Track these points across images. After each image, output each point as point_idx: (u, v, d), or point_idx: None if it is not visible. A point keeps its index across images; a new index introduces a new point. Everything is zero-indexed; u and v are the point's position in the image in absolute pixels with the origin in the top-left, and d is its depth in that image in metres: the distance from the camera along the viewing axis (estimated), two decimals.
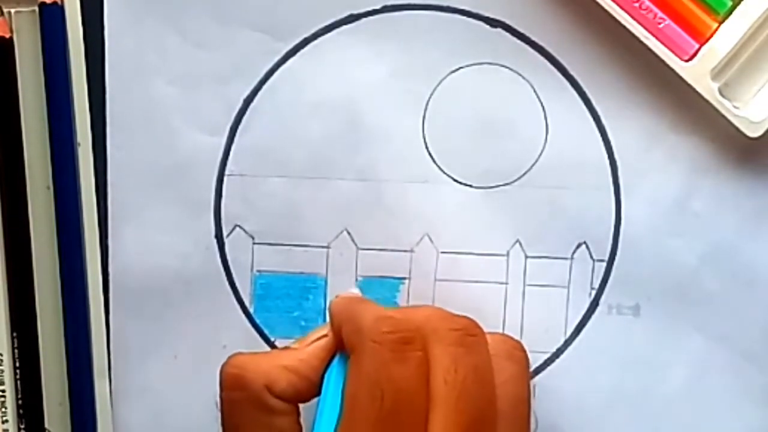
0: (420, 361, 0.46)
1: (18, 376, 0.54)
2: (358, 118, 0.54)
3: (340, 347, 0.49)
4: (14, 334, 0.54)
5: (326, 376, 0.49)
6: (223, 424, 0.50)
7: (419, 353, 0.46)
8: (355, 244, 0.55)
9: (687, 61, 0.52)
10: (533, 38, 0.54)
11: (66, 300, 0.54)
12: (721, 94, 0.52)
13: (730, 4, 0.52)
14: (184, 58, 0.54)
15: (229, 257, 0.55)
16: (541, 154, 0.54)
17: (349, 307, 0.49)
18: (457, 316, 0.49)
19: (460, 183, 0.54)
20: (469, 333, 0.47)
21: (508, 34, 0.54)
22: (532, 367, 0.54)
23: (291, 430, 0.49)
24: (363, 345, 0.46)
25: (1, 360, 0.54)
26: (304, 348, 0.49)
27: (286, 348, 0.50)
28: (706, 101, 0.52)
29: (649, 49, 0.52)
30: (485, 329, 0.50)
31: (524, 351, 0.50)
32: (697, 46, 0.52)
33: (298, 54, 0.54)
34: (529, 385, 0.49)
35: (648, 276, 0.54)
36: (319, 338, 0.49)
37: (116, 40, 0.54)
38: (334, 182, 0.54)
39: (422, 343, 0.46)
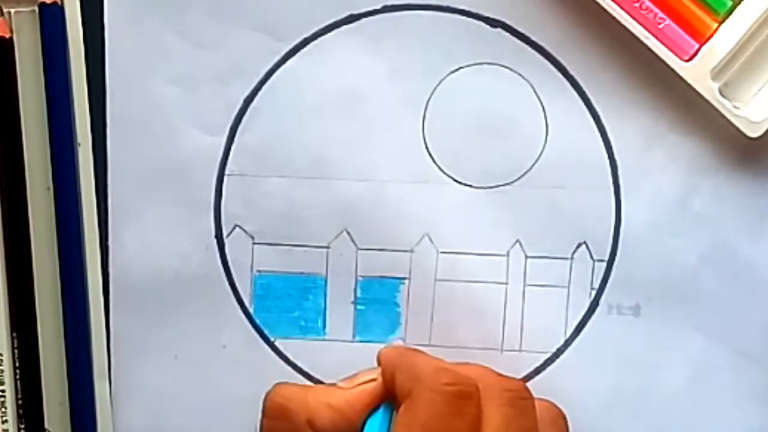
0: (475, 417, 0.46)
1: (18, 376, 0.54)
2: (358, 118, 0.54)
3: (388, 396, 0.49)
4: (14, 334, 0.54)
5: (367, 424, 0.49)
6: None
7: (475, 410, 0.46)
8: (355, 244, 0.55)
9: (687, 61, 0.52)
10: (533, 38, 0.54)
11: (66, 300, 0.54)
12: (721, 94, 0.52)
13: (730, 4, 0.52)
14: (184, 58, 0.54)
15: (229, 257, 0.55)
16: (541, 154, 0.54)
17: (404, 356, 0.49)
18: (509, 377, 0.49)
19: (460, 183, 0.54)
20: (521, 396, 0.48)
21: (508, 34, 0.54)
22: (532, 367, 0.54)
23: None
24: (420, 393, 0.46)
25: (1, 360, 0.54)
26: (351, 389, 0.49)
27: (332, 385, 0.50)
28: (706, 101, 0.52)
29: (649, 49, 0.52)
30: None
31: (566, 420, 0.50)
32: (697, 46, 0.52)
33: (298, 54, 0.54)
34: None
35: (648, 276, 0.54)
36: (367, 381, 0.49)
37: (116, 40, 0.54)
38: (334, 182, 0.54)
39: (478, 400, 0.47)
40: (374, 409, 0.49)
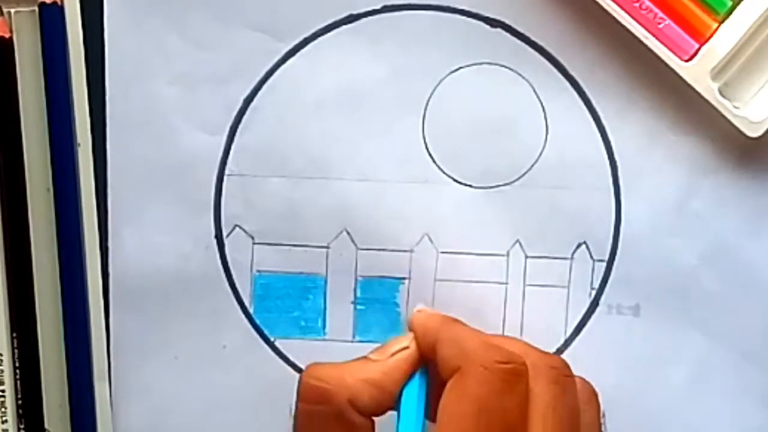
0: (524, 395, 0.47)
1: (18, 376, 0.54)
2: (358, 118, 0.54)
3: (423, 362, 0.49)
4: (14, 335, 0.54)
5: (405, 393, 0.49)
6: None
7: (524, 387, 0.47)
8: (355, 244, 0.55)
9: (687, 61, 0.52)
10: (533, 38, 0.54)
11: (66, 301, 0.54)
12: (721, 94, 0.52)
13: (730, 4, 0.52)
14: (184, 58, 0.54)
15: (229, 257, 0.55)
16: (541, 154, 0.54)
17: (447, 326, 0.49)
18: (551, 354, 0.49)
19: (460, 183, 0.54)
20: (565, 373, 0.48)
21: (508, 34, 0.54)
22: None
23: None
24: (471, 369, 0.46)
25: (1, 360, 0.54)
26: (385, 360, 0.49)
27: (364, 359, 0.49)
28: (706, 101, 0.52)
29: (649, 49, 0.52)
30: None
31: (598, 397, 0.50)
32: (697, 46, 0.52)
33: (298, 54, 0.54)
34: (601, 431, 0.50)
35: (648, 276, 0.54)
36: (400, 350, 0.49)
37: (116, 41, 0.54)
38: (334, 182, 0.54)
39: (527, 378, 0.47)
40: (410, 377, 0.49)
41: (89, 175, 0.54)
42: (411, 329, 0.50)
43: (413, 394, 0.49)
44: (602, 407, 0.51)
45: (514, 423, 0.46)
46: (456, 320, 0.51)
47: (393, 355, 0.49)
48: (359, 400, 0.48)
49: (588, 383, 0.50)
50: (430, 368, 0.49)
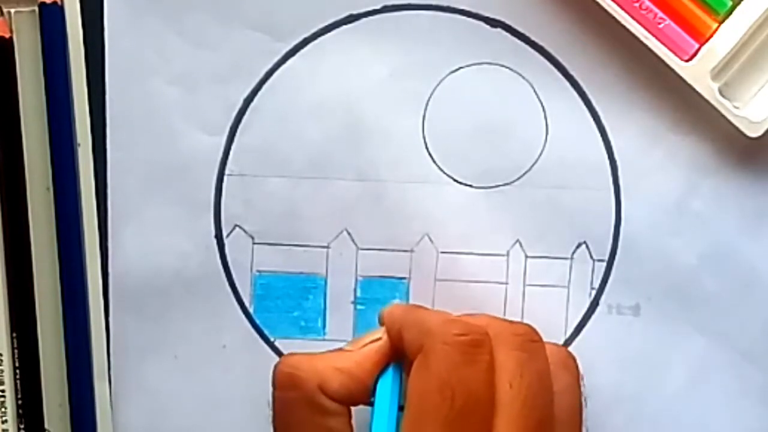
0: (489, 364, 0.47)
1: (18, 376, 0.54)
2: (358, 118, 0.54)
3: (396, 352, 0.49)
4: (14, 334, 0.54)
5: (379, 383, 0.49)
6: (274, 423, 0.50)
7: (488, 357, 0.47)
8: (355, 244, 0.55)
9: (687, 61, 0.52)
10: (533, 38, 0.54)
11: (66, 300, 0.54)
12: (721, 94, 0.52)
13: (730, 4, 0.52)
14: (184, 58, 0.54)
15: (229, 257, 0.55)
16: (541, 154, 0.54)
17: (410, 312, 0.50)
18: (517, 322, 0.50)
19: (460, 183, 0.54)
20: (531, 339, 0.48)
21: (508, 34, 0.54)
22: None
23: (343, 431, 0.49)
24: (433, 346, 0.47)
25: (1, 360, 0.54)
26: (357, 350, 0.50)
27: (339, 350, 0.50)
28: (706, 101, 0.52)
29: (649, 49, 0.52)
30: None
31: (576, 361, 0.51)
32: (697, 46, 0.52)
33: (298, 54, 0.54)
34: (581, 395, 0.50)
35: (648, 276, 0.54)
36: (372, 341, 0.50)
37: (116, 40, 0.54)
38: (334, 182, 0.54)
39: (490, 347, 0.47)
40: (383, 369, 0.49)
41: (89, 175, 0.54)
42: (381, 323, 0.50)
43: (387, 386, 0.49)
44: (581, 371, 0.51)
45: (479, 393, 0.46)
46: (420, 307, 0.51)
47: (365, 345, 0.50)
48: (329, 385, 0.49)
49: (562, 348, 0.51)
50: (405, 362, 0.49)
